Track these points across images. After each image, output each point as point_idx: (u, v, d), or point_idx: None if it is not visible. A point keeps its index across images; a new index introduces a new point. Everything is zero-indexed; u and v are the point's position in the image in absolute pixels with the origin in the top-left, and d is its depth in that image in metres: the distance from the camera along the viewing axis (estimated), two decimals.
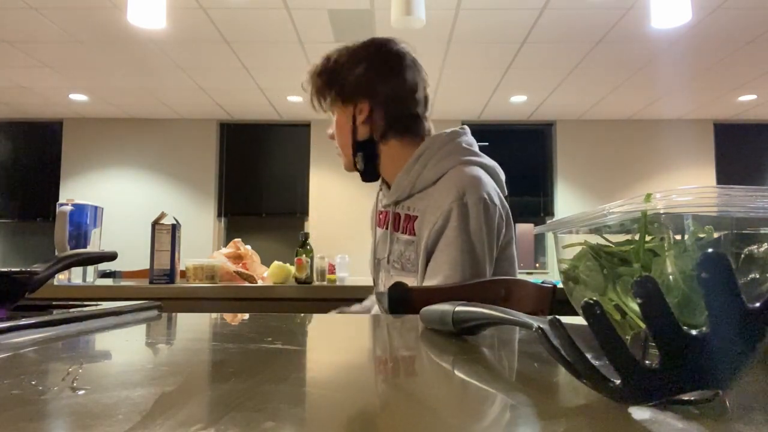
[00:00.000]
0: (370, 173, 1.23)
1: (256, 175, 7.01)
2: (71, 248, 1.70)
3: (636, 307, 0.44)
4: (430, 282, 1.12)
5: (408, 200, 1.20)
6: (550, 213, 6.98)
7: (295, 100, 6.18)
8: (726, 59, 4.89)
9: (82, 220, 1.77)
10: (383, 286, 1.22)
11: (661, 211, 0.42)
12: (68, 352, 0.50)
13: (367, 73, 1.19)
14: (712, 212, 0.43)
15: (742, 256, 0.43)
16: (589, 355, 0.29)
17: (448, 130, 1.24)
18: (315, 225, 6.74)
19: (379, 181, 1.31)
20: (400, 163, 1.21)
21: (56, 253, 1.19)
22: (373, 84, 1.19)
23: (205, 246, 6.58)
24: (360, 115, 1.20)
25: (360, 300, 1.49)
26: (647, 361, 0.28)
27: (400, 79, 1.20)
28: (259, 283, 2.11)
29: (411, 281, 1.16)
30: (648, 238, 0.46)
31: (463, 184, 1.13)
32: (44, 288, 0.73)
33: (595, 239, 0.52)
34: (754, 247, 0.43)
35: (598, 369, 0.29)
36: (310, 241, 2.27)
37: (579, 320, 0.40)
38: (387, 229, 1.22)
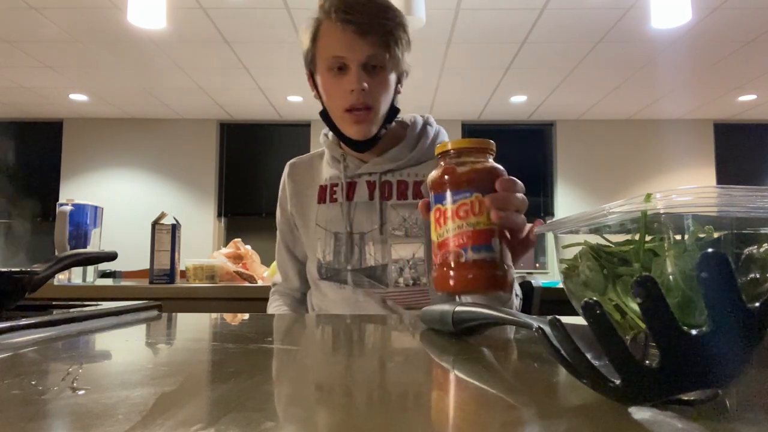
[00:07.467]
0: (373, 142, 1.19)
1: (256, 175, 7.01)
2: (71, 248, 1.70)
3: (636, 307, 0.44)
4: None
5: (407, 168, 1.21)
6: (550, 213, 6.98)
7: (295, 100, 6.18)
8: (726, 59, 4.89)
9: (82, 220, 1.77)
10: (373, 260, 1.17)
11: (661, 211, 0.42)
12: (68, 352, 0.50)
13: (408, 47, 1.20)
14: (712, 212, 0.43)
15: (742, 256, 0.43)
16: (589, 355, 0.29)
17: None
18: None
19: (319, 157, 1.28)
20: (396, 135, 1.23)
21: (56, 253, 1.19)
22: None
23: (205, 246, 6.58)
24: (400, 86, 1.21)
25: None
26: (647, 361, 0.28)
27: None
28: (259, 283, 2.11)
29: (417, 247, 1.15)
30: (648, 238, 0.46)
31: None
32: (44, 288, 0.73)
33: (595, 239, 0.52)
34: (754, 247, 0.43)
35: (598, 369, 0.29)
36: None
37: (579, 320, 0.40)
38: (373, 200, 1.19)
